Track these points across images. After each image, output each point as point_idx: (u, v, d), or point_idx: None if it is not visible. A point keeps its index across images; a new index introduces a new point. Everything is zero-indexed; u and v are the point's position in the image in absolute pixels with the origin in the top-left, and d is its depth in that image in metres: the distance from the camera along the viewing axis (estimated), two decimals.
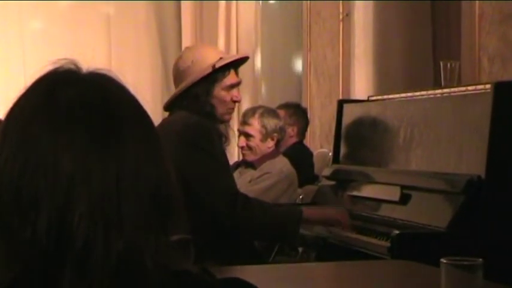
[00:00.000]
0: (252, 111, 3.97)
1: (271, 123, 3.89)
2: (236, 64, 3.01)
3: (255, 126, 3.88)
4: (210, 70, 2.91)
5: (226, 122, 3.01)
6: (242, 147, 3.93)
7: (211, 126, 2.89)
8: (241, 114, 4.41)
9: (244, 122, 3.93)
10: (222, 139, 2.93)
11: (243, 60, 3.09)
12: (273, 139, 3.89)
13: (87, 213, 0.89)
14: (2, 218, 0.91)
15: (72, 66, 0.99)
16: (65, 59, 1.00)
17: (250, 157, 3.91)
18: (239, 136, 3.95)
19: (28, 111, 0.95)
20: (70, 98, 0.94)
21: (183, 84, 2.94)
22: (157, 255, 0.92)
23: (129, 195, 0.92)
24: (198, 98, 2.91)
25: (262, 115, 3.90)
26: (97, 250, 0.89)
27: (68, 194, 0.90)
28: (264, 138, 3.88)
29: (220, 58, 2.96)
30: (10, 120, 0.96)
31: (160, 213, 0.95)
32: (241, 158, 4.15)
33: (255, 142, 3.87)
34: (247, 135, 3.88)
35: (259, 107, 4.16)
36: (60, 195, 0.90)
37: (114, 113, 0.95)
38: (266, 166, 3.86)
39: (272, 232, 2.91)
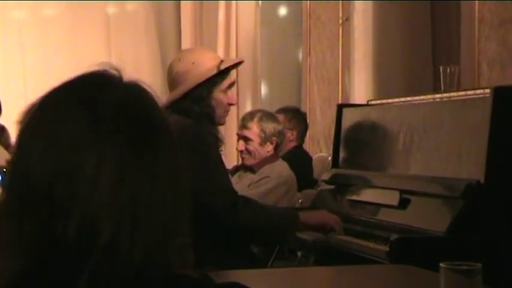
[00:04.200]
0: (250, 115, 3.97)
1: (270, 127, 3.89)
2: (231, 67, 3.02)
3: (253, 130, 3.87)
4: (215, 71, 2.90)
5: (222, 124, 3.01)
6: (241, 151, 3.93)
7: (207, 130, 2.89)
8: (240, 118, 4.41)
9: (243, 126, 3.93)
10: (218, 143, 2.93)
11: (237, 63, 3.12)
12: (272, 143, 3.89)
13: (114, 217, 0.91)
14: (32, 208, 0.92)
15: (115, 72, 1.00)
16: (107, 63, 1.01)
17: (250, 161, 3.90)
18: (238, 140, 3.94)
19: (64, 111, 0.96)
20: (110, 104, 0.96)
21: (186, 85, 2.92)
22: (163, 259, 0.94)
23: (157, 203, 0.95)
24: (202, 99, 2.89)
25: (261, 119, 3.90)
26: (119, 254, 0.91)
27: (100, 198, 0.91)
28: (262, 142, 3.87)
29: (222, 60, 2.96)
30: (42, 115, 0.96)
31: (178, 219, 0.98)
32: (240, 162, 4.14)
33: (253, 146, 3.87)
34: (246, 139, 3.88)
35: (258, 111, 4.16)
36: (93, 198, 0.91)
37: (149, 124, 0.98)
38: (265, 170, 3.86)
39: (272, 233, 2.90)
